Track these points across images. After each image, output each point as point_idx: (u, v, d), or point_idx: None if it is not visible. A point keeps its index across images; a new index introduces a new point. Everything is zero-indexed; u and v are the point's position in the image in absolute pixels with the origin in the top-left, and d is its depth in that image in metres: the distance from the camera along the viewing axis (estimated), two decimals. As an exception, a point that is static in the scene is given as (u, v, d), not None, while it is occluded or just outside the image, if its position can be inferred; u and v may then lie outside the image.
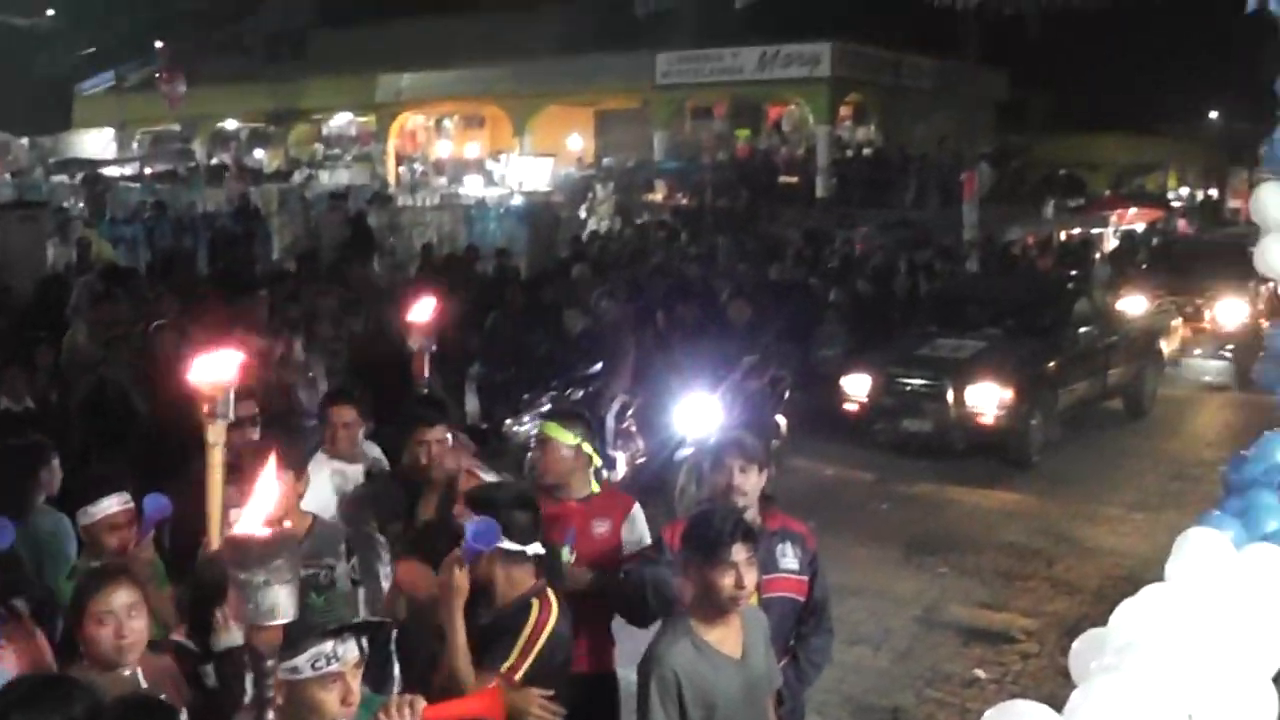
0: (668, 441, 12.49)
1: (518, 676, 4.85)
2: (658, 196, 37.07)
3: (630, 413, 12.93)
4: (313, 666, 3.71)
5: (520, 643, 4.90)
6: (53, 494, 6.64)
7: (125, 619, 4.52)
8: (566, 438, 6.07)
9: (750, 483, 5.69)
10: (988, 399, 14.96)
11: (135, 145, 48.98)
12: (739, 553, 4.79)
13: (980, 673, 9.29)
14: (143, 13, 46.18)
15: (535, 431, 6.56)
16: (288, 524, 4.69)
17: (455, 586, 4.81)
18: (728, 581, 4.77)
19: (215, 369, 4.77)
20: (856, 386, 15.73)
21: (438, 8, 43.84)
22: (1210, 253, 24.44)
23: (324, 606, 4.47)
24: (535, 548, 5.09)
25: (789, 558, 5.76)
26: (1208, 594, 4.49)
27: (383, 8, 44.74)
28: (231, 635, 4.37)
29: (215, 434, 4.73)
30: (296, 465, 5.89)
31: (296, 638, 3.62)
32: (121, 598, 4.55)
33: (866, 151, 40.75)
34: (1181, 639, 4.00)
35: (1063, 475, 14.98)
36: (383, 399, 7.68)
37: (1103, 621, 4.39)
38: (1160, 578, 4.78)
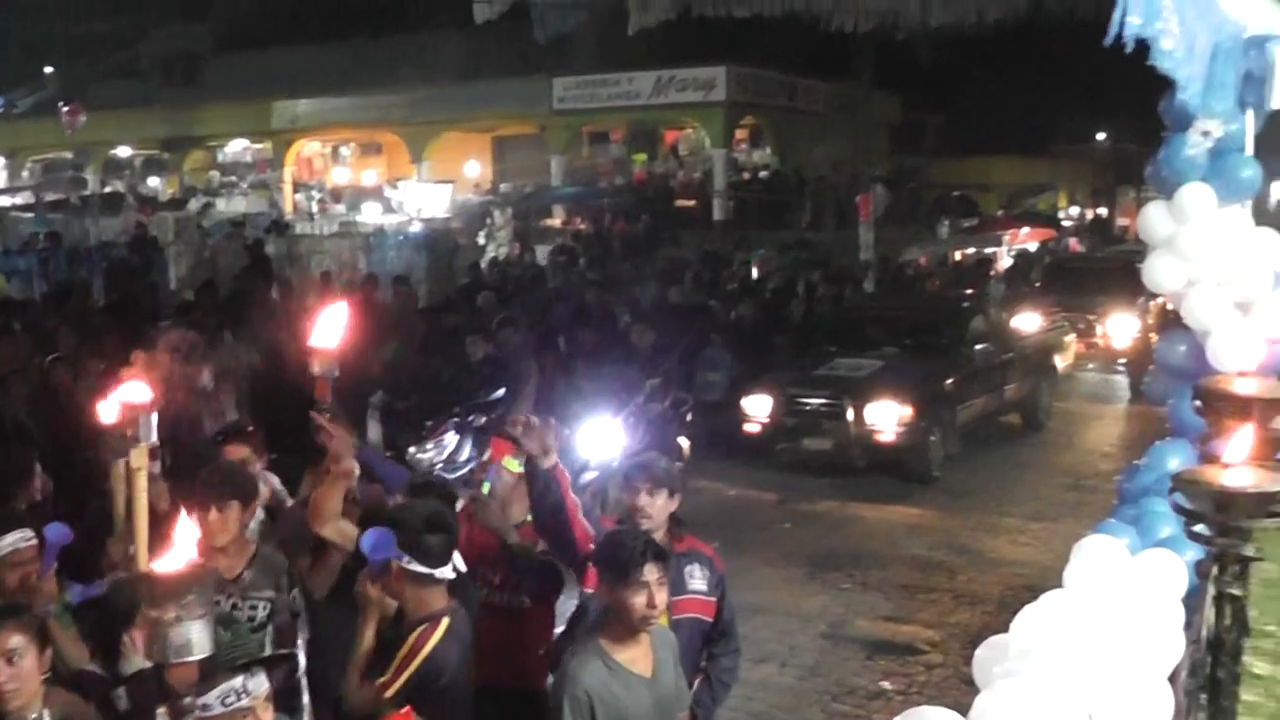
0: (571, 467, 12.47)
1: (388, 694, 4.89)
2: (556, 222, 37.15)
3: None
4: (223, 703, 3.71)
5: (395, 662, 4.96)
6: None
7: (6, 664, 4.40)
8: (514, 466, 6.14)
9: (657, 506, 5.73)
10: (887, 417, 15.15)
11: (26, 174, 48.21)
12: (651, 573, 4.82)
13: (886, 684, 9.40)
14: (33, 38, 45.46)
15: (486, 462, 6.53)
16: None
17: (368, 600, 4.84)
18: (640, 601, 4.80)
19: (130, 394, 4.74)
20: (757, 407, 15.85)
21: (334, 34, 43.63)
22: (1101, 270, 25.05)
23: (232, 641, 4.45)
24: (445, 571, 5.09)
25: (697, 579, 5.80)
26: (1105, 599, 4.59)
27: (279, 33, 44.43)
28: (140, 659, 4.33)
29: (138, 458, 4.70)
30: (243, 496, 5.82)
31: (206, 675, 3.61)
32: (9, 641, 4.44)
33: (763, 174, 41.06)
34: (1081, 643, 4.08)
35: (963, 489, 15.21)
36: (283, 428, 7.62)
37: (1005, 630, 4.47)
38: (1060, 585, 4.87)
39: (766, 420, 15.79)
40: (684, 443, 14.01)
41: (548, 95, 40.49)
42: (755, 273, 25.68)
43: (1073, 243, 40.20)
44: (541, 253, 29.49)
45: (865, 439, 15.28)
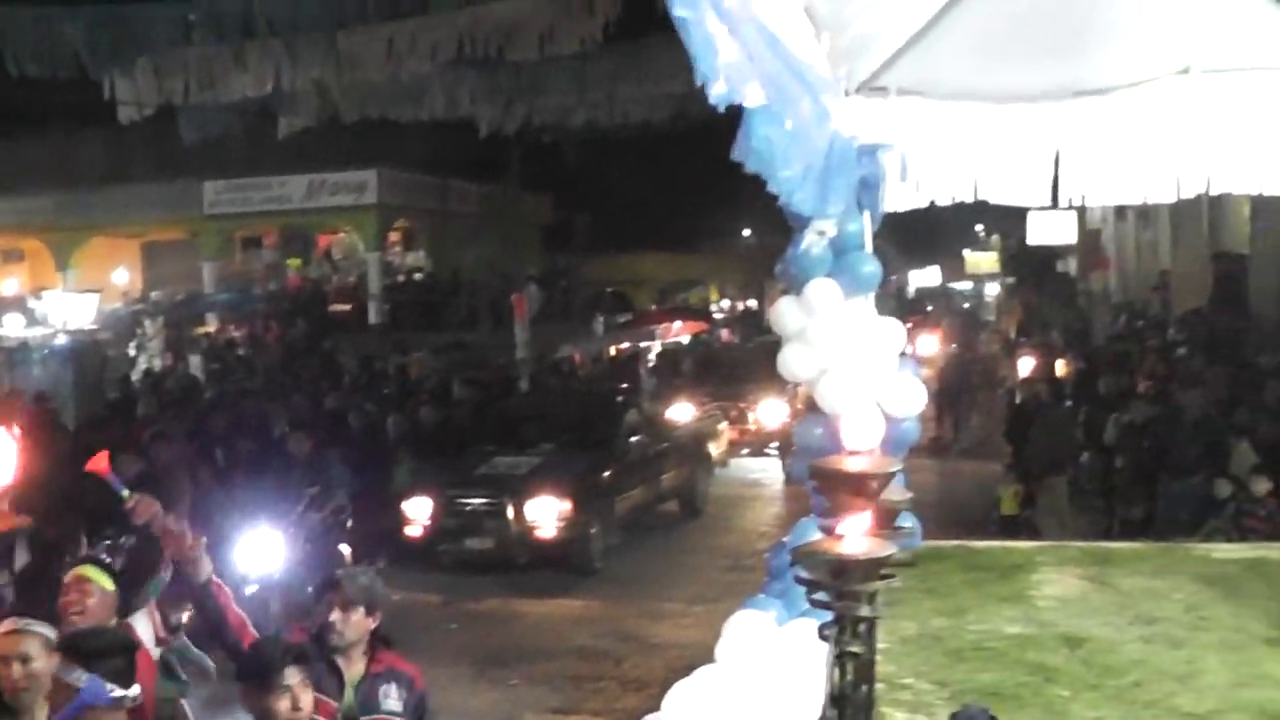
0: (231, 580, 12.22)
1: None
2: (210, 329, 36.30)
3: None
4: None
5: None
6: None
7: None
8: (104, 582, 5.97)
9: (351, 623, 5.61)
10: (547, 512, 15.41)
11: None
12: (291, 676, 4.84)
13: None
14: None
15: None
16: None
17: None
18: (284, 705, 4.80)
19: None
20: (418, 510, 15.88)
21: (-35, 135, 41.64)
22: (750, 359, 26.09)
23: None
24: (119, 692, 4.98)
25: (393, 699, 5.70)
26: (753, 668, 4.88)
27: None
28: None
29: None
30: None
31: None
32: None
33: (418, 276, 41.17)
34: (729, 711, 4.33)
35: (625, 578, 15.55)
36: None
37: (668, 711, 4.70)
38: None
39: (428, 522, 15.84)
40: (345, 550, 13.90)
41: (198, 199, 39.50)
42: (411, 375, 25.67)
43: (725, 334, 41.46)
44: (196, 362, 28.80)
45: (526, 536, 15.50)
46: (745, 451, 23.65)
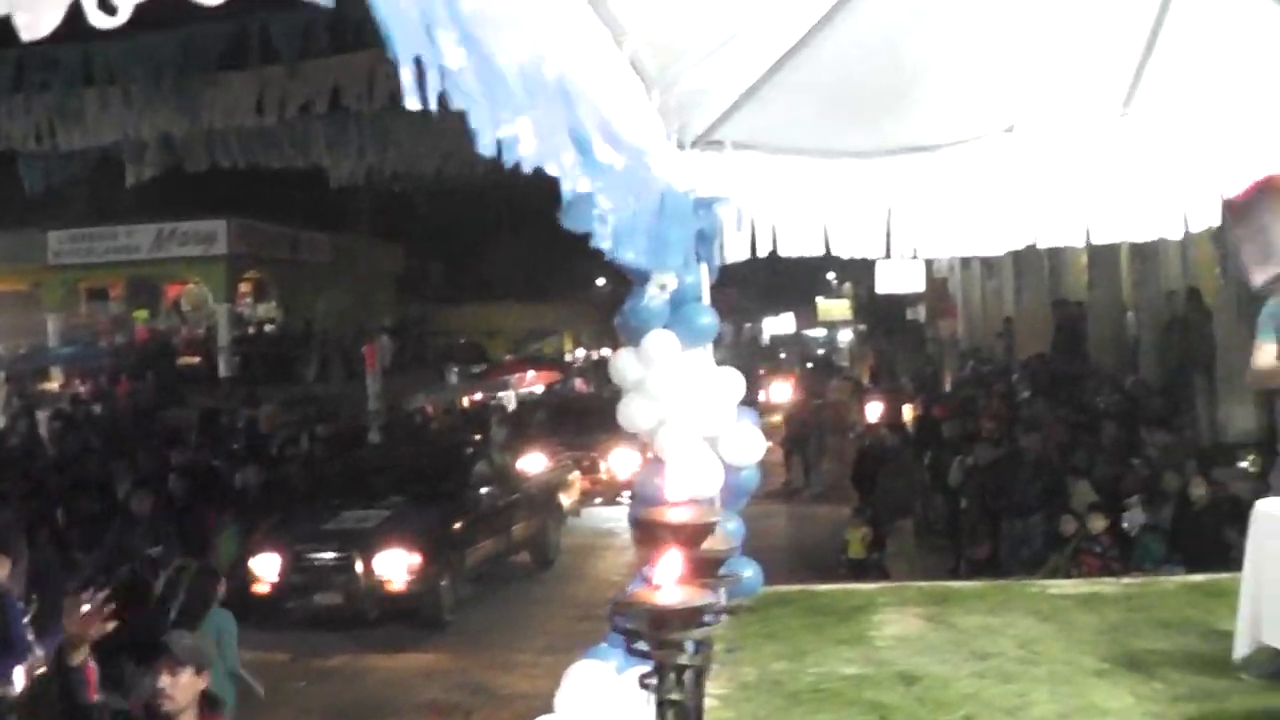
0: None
1: None
2: (54, 385, 35.43)
3: (27, 620, 12.29)
4: None
5: None
6: None
7: None
8: None
9: (180, 685, 5.52)
10: (396, 566, 15.31)
11: None
12: None
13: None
14: None
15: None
16: None
17: None
18: None
19: None
20: (265, 567, 15.66)
21: None
22: (603, 408, 25.99)
23: None
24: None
25: None
26: (592, 718, 4.91)
27: None
28: None
29: None
30: None
31: None
32: None
33: (269, 328, 40.67)
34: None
35: (476, 630, 15.48)
36: None
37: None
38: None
39: (275, 579, 15.62)
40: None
41: (42, 249, 38.31)
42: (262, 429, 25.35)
43: (579, 383, 41.60)
44: (39, 419, 28.10)
45: (376, 590, 15.36)
46: (598, 501, 23.70)
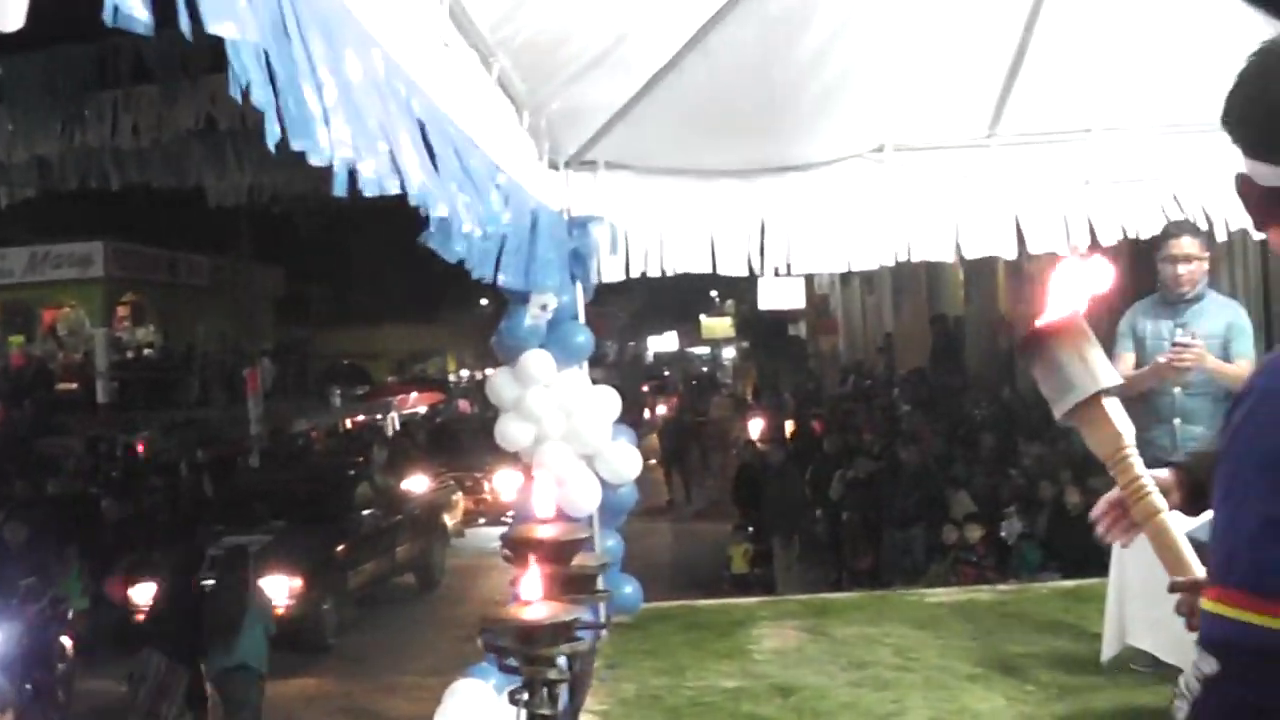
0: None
1: None
2: (-75, 413, 34.59)
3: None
4: None
5: None
6: None
7: None
8: None
9: None
10: (277, 590, 15.12)
11: None
12: None
13: None
14: None
15: None
16: None
17: None
18: None
19: None
20: (144, 595, 15.39)
21: None
22: (485, 429, 25.99)
23: None
24: None
25: None
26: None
27: None
28: None
29: None
30: None
31: None
32: None
33: (148, 352, 40.01)
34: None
35: (360, 653, 15.37)
36: None
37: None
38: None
39: (157, 608, 15.34)
40: (67, 642, 13.39)
41: (-89, 274, 37.56)
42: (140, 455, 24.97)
43: (463, 404, 41.44)
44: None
45: (258, 615, 15.16)
46: (482, 521, 23.60)
